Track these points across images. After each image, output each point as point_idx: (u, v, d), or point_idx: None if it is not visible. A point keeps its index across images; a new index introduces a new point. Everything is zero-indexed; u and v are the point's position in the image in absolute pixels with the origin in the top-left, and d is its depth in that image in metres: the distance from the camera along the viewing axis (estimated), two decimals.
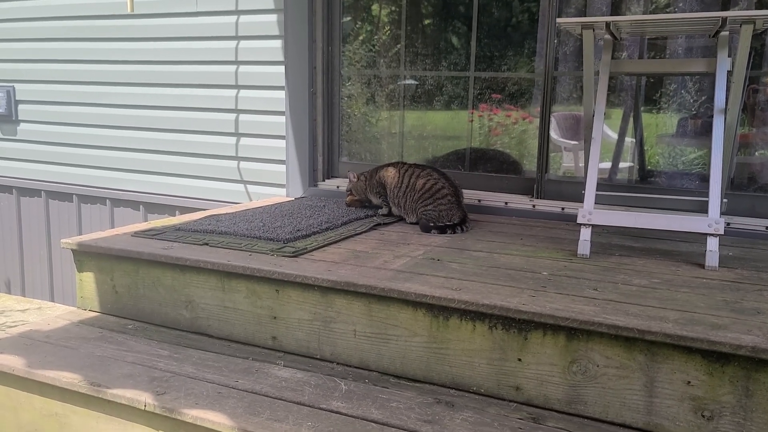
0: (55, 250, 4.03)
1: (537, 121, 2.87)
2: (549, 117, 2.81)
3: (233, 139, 3.40)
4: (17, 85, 4.02)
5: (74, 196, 3.90)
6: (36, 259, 4.12)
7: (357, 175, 2.75)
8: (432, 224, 2.42)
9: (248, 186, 3.39)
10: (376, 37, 3.23)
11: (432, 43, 3.11)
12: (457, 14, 3.06)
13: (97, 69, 3.74)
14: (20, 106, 4.04)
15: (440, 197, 2.44)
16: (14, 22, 3.96)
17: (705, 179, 2.63)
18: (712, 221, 1.96)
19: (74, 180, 3.90)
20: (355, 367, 1.84)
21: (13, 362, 1.83)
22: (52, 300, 4.08)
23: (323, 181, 3.27)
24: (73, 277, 3.82)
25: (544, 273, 1.91)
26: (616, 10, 2.74)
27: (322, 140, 3.24)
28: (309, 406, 1.60)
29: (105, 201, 3.81)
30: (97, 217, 3.86)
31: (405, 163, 2.62)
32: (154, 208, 3.66)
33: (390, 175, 2.59)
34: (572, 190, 2.76)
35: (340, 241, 2.26)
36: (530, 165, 2.94)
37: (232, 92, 3.36)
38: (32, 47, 3.93)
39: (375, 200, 2.70)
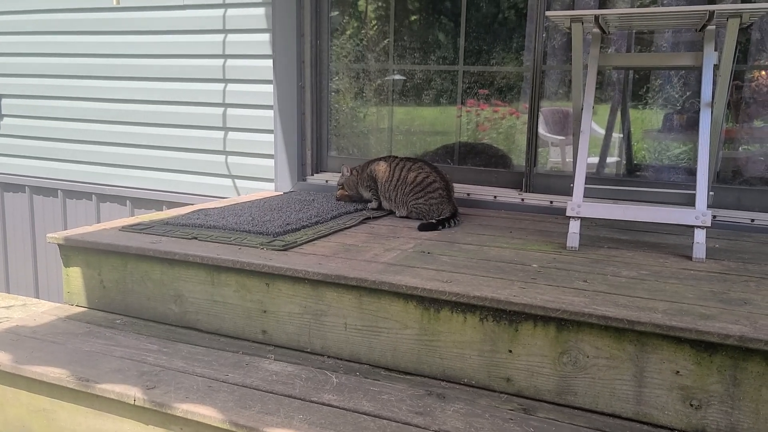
0: (39, 245, 3.99)
1: (524, 117, 2.88)
2: (538, 111, 2.82)
3: (221, 134, 3.38)
4: (1, 80, 3.97)
5: (59, 191, 3.86)
6: (20, 256, 4.07)
7: (350, 168, 2.75)
8: (434, 221, 2.41)
9: (236, 180, 3.37)
10: (363, 31, 3.22)
11: (420, 37, 3.10)
12: (444, 9, 3.06)
13: (82, 63, 3.70)
14: (3, 101, 3.98)
15: (431, 191, 2.44)
16: None
17: (691, 173, 2.65)
18: (699, 213, 1.98)
19: (59, 175, 3.85)
20: (346, 360, 1.84)
21: (0, 358, 1.81)
22: (37, 296, 4.04)
23: (312, 175, 3.26)
24: (58, 273, 3.79)
25: (534, 265, 1.92)
26: (602, 4, 2.76)
27: (311, 134, 3.23)
28: (300, 399, 1.59)
29: (91, 196, 3.77)
30: (83, 212, 3.82)
31: (396, 157, 2.62)
32: (141, 203, 3.63)
33: (381, 169, 2.59)
34: (560, 183, 2.78)
35: (330, 234, 2.26)
36: (519, 159, 2.95)
37: (220, 86, 3.34)
38: (16, 41, 3.88)
39: (366, 194, 2.70)
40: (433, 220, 2.42)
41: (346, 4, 3.23)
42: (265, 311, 1.94)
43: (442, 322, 1.71)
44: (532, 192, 2.84)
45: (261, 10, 3.17)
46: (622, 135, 2.85)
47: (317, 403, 1.57)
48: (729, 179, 2.63)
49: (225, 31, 3.27)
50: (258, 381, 1.69)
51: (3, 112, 4.01)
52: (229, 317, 2.00)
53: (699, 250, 2.00)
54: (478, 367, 1.68)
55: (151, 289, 2.11)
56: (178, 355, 1.85)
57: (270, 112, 3.22)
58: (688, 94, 2.70)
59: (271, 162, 3.26)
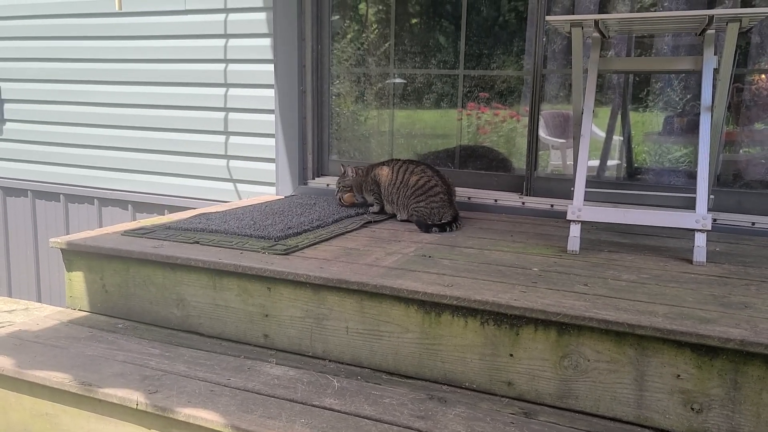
0: (42, 250, 3.99)
1: (525, 120, 2.89)
2: (538, 114, 2.83)
3: (222, 138, 3.39)
4: (3, 84, 3.98)
5: (61, 195, 3.87)
6: (22, 260, 4.08)
7: (355, 169, 2.74)
8: (431, 222, 2.42)
9: (238, 184, 3.38)
10: (364, 35, 3.23)
11: (420, 41, 3.11)
12: (445, 13, 3.07)
13: (85, 68, 3.71)
14: (6, 106, 4.00)
15: (432, 195, 2.45)
16: (0, 21, 3.93)
17: (691, 176, 2.66)
18: (699, 217, 1.98)
19: (61, 179, 3.86)
20: (348, 364, 1.84)
21: (2, 362, 1.82)
22: (39, 300, 4.04)
23: (313, 179, 3.26)
24: (60, 277, 3.80)
25: (535, 269, 1.93)
26: (603, 8, 2.76)
27: (312, 138, 3.24)
28: (302, 403, 1.60)
29: (93, 200, 3.78)
30: (85, 216, 3.83)
31: (399, 160, 2.63)
32: (143, 207, 3.64)
33: (384, 173, 2.60)
34: (561, 187, 2.78)
35: (331, 238, 2.26)
36: (519, 163, 2.95)
37: (221, 90, 3.35)
38: (19, 46, 3.89)
39: (368, 198, 2.70)
40: (429, 222, 2.43)
41: (347, 8, 3.24)
42: (266, 315, 1.95)
43: (443, 326, 1.71)
44: (533, 195, 2.85)
45: (262, 15, 3.18)
46: (622, 138, 2.85)
47: (319, 408, 1.58)
48: (729, 182, 2.64)
49: (226, 35, 3.29)
50: (260, 385, 1.69)
51: (5, 117, 4.02)
52: (231, 321, 2.00)
53: (699, 253, 2.00)
54: (479, 371, 1.69)
55: (153, 293, 2.12)
56: (180, 359, 1.86)
57: (271, 116, 3.23)
58: (688, 97, 2.71)
59: (272, 166, 3.27)
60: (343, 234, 2.33)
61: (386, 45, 3.18)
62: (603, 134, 2.88)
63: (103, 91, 3.67)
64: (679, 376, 1.49)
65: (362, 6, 3.24)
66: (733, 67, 2.14)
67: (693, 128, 2.67)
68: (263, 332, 1.96)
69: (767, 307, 1.61)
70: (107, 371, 1.77)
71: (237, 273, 1.95)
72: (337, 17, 3.24)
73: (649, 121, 2.81)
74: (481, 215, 2.78)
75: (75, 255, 2.23)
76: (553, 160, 3.02)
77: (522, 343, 1.63)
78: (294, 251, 2.07)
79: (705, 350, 1.46)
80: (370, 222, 2.54)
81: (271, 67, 3.19)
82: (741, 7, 2.53)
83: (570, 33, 2.20)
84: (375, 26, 3.22)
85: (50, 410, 1.78)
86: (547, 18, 2.19)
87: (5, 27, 3.91)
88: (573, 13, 2.76)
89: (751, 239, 2.39)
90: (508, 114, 3.00)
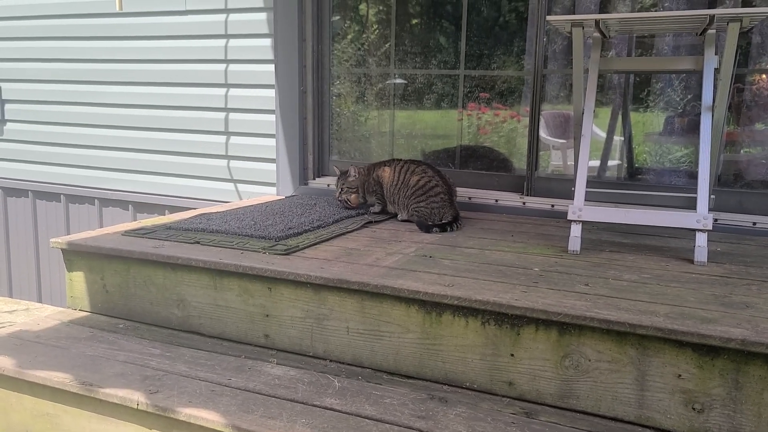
0: (42, 250, 3.99)
1: (525, 120, 2.89)
2: (539, 115, 2.82)
3: (223, 138, 3.39)
4: (4, 85, 3.99)
5: (62, 195, 3.87)
6: (23, 260, 4.08)
7: (357, 169, 2.73)
8: (431, 223, 2.42)
9: (238, 185, 3.38)
10: (364, 35, 3.23)
11: (421, 42, 3.11)
12: (445, 14, 3.07)
13: (85, 68, 3.71)
14: (7, 106, 4.00)
15: (433, 195, 2.45)
16: (1, 21, 3.92)
17: (692, 176, 2.65)
18: (700, 217, 1.98)
19: (62, 180, 3.87)
20: (348, 364, 1.84)
21: (3, 362, 1.82)
22: (40, 301, 4.04)
23: (313, 179, 3.26)
24: (61, 277, 3.80)
25: (536, 269, 1.92)
26: (603, 8, 2.76)
27: (312, 139, 3.24)
28: (302, 403, 1.60)
29: (93, 201, 3.78)
30: (86, 217, 3.83)
31: (400, 160, 2.63)
32: (144, 207, 3.64)
33: (386, 173, 2.60)
34: (562, 187, 2.78)
35: (331, 238, 2.26)
36: (520, 163, 2.95)
37: (222, 91, 3.35)
38: (20, 46, 3.89)
39: (370, 198, 2.70)
40: (430, 222, 2.43)
41: (348, 9, 3.24)
42: (267, 315, 1.95)
43: (444, 326, 1.71)
44: (534, 195, 2.85)
45: (262, 15, 3.18)
46: (623, 138, 2.85)
47: (320, 408, 1.58)
48: (730, 182, 2.64)
49: (227, 36, 3.29)
50: (260, 385, 1.69)
51: (6, 117, 4.02)
52: (231, 321, 2.00)
53: (700, 253, 2.00)
54: (480, 371, 1.68)
55: (153, 293, 2.12)
56: (180, 359, 1.86)
57: (272, 117, 3.23)
58: (689, 97, 2.71)
59: (272, 166, 3.27)
60: (343, 234, 2.33)
61: (387, 45, 3.18)
62: (603, 134, 2.88)
63: (104, 92, 3.67)
64: (680, 375, 1.49)
65: (363, 6, 3.24)
66: (733, 67, 2.14)
67: (694, 128, 2.67)
68: (264, 332, 1.96)
69: None
70: (108, 371, 1.77)
71: (238, 273, 1.95)
72: (337, 18, 3.24)
73: (649, 121, 2.81)
74: (481, 215, 2.78)
75: (76, 255, 2.23)
76: (553, 160, 3.02)
77: (523, 343, 1.63)
78: (295, 251, 2.07)
79: (706, 350, 1.46)
80: (370, 222, 2.54)
81: (271, 67, 3.19)
82: (742, 7, 2.53)
83: (571, 33, 2.20)
84: (375, 27, 3.22)
85: (51, 410, 1.78)
86: (548, 18, 2.19)
87: (5, 27, 3.91)
88: (573, 13, 2.76)
89: (752, 239, 2.39)
90: (508, 114, 3.00)
